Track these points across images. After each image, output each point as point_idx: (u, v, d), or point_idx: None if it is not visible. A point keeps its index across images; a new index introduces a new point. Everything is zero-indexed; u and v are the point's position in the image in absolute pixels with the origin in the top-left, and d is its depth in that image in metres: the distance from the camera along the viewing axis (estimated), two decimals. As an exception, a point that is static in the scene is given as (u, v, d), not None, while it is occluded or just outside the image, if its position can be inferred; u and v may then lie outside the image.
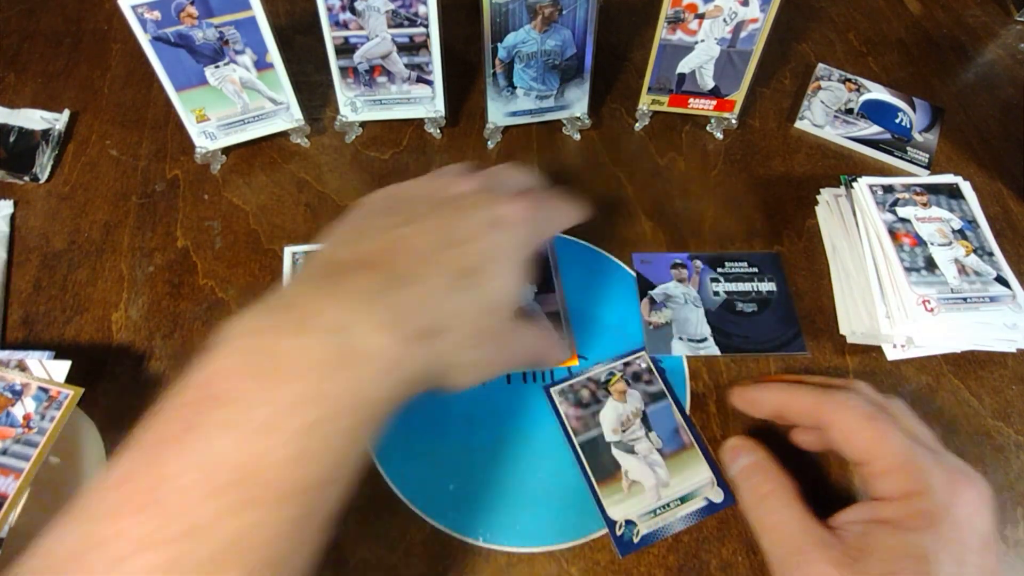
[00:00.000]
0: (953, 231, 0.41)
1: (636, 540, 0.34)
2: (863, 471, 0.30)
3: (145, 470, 0.21)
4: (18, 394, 0.35)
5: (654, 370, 0.39)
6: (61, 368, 0.35)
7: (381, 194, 0.32)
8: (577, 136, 0.51)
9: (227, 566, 0.20)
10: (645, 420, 0.38)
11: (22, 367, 0.35)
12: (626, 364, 0.40)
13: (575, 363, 0.40)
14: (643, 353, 0.40)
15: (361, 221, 0.30)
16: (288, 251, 0.44)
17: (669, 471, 0.36)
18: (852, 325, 0.41)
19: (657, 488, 0.36)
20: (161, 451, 0.22)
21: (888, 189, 0.43)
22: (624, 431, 0.37)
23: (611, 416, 0.38)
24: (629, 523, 0.35)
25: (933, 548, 0.26)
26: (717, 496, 0.35)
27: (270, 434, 0.22)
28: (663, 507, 0.35)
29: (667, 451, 0.37)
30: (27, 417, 0.33)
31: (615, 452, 0.37)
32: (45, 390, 0.34)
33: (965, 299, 0.38)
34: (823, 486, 0.36)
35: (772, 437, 0.35)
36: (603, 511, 0.35)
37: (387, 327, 0.25)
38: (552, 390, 0.39)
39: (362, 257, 0.27)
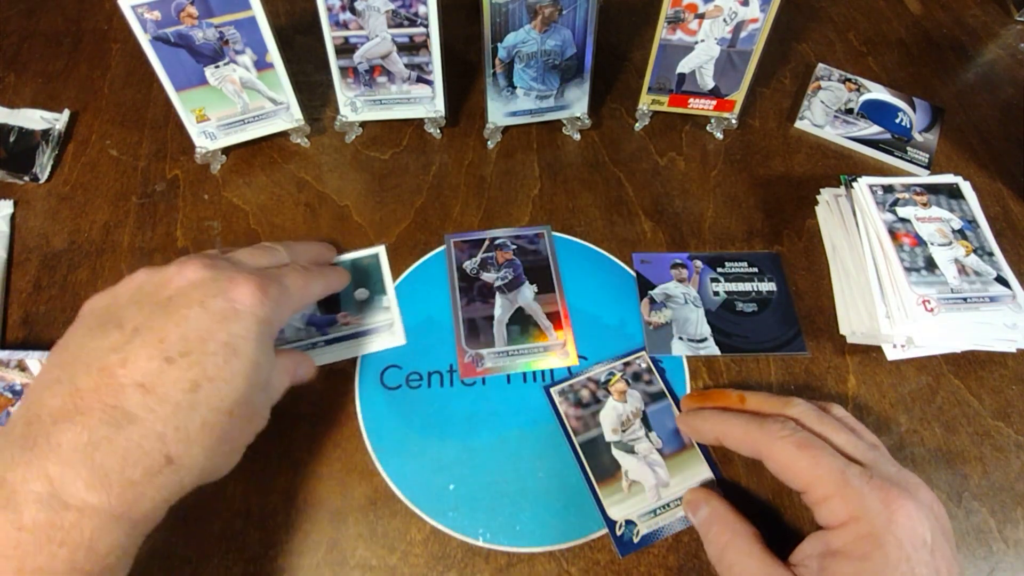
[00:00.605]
0: (953, 231, 0.41)
1: (636, 540, 0.34)
2: (806, 499, 0.30)
3: None
4: (18, 394, 0.35)
5: (654, 370, 0.39)
6: (61, 368, 0.35)
7: (97, 302, 0.29)
8: (577, 136, 0.51)
9: None
10: (645, 420, 0.38)
11: (22, 367, 0.35)
12: (626, 364, 0.40)
13: (575, 363, 0.40)
14: (643, 353, 0.40)
15: (74, 346, 0.27)
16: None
17: (669, 471, 0.36)
18: (852, 325, 0.41)
19: (657, 488, 0.36)
20: None
21: (888, 189, 0.43)
22: (624, 431, 0.37)
23: (611, 416, 0.38)
24: (629, 523, 0.35)
25: (883, 572, 0.27)
26: (717, 496, 0.36)
27: None
28: (663, 507, 0.35)
29: (667, 451, 0.37)
30: (27, 417, 0.33)
31: (615, 452, 0.37)
32: (45, 390, 0.34)
33: (965, 299, 0.38)
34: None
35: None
36: (603, 511, 0.35)
37: (105, 480, 0.23)
38: (552, 390, 0.39)
39: (74, 402, 0.25)
